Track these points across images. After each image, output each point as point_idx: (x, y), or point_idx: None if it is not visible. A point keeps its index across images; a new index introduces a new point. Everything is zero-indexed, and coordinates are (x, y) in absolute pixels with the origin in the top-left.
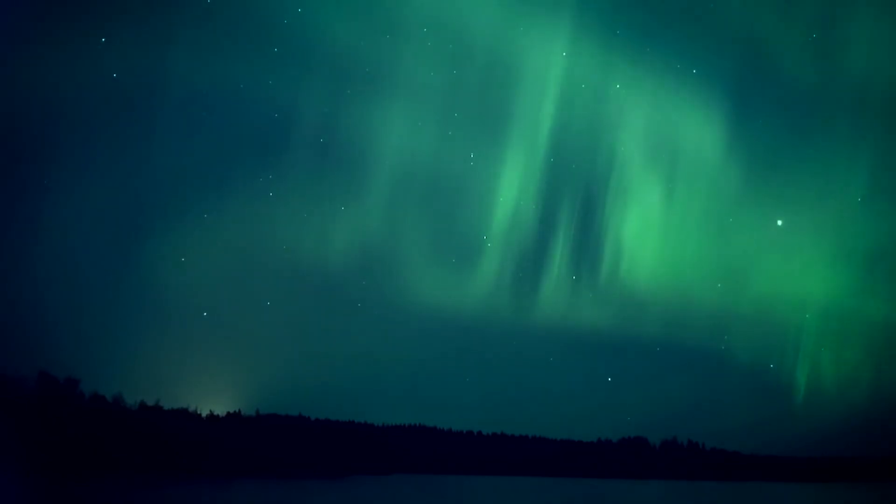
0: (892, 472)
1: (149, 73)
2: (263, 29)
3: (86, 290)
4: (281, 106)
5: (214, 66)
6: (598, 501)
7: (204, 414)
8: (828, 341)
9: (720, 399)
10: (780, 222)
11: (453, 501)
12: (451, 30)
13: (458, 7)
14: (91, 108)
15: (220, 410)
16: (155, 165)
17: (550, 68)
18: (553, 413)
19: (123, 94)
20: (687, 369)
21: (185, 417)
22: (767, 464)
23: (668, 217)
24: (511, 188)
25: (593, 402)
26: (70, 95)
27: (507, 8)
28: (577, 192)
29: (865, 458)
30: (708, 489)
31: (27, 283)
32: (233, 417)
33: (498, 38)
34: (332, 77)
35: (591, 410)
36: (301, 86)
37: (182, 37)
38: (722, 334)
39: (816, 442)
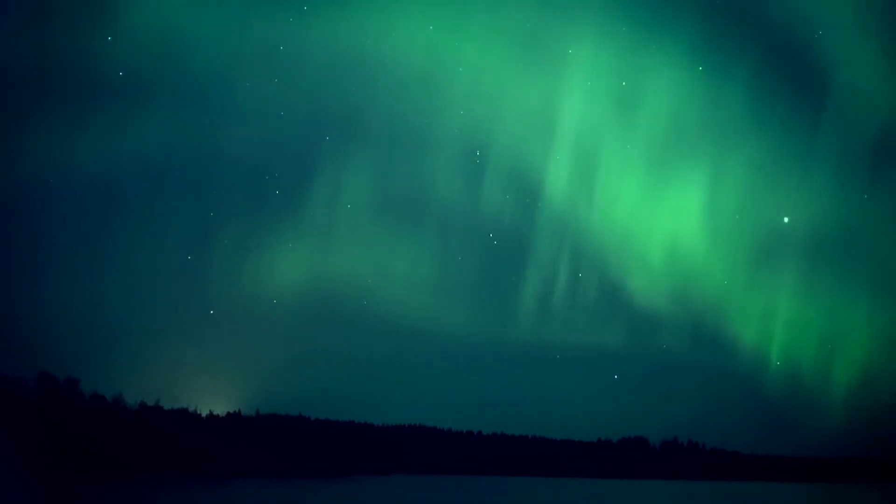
0: (892, 472)
1: (153, 71)
2: (268, 27)
3: (86, 290)
4: (286, 104)
5: (218, 63)
6: (598, 501)
7: (204, 414)
8: (832, 341)
9: (721, 399)
10: (786, 219)
11: (453, 501)
12: (454, 28)
13: (459, 5)
14: (93, 107)
15: (220, 410)
16: (159, 163)
17: (554, 66)
18: (554, 413)
19: (127, 92)
20: (690, 368)
21: (185, 417)
22: (767, 464)
23: (673, 215)
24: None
25: (598, 401)
26: (72, 92)
27: (507, 5)
28: (581, 190)
29: (866, 459)
30: (708, 489)
31: (27, 283)
32: (233, 417)
33: (500, 36)
34: (335, 76)
35: (594, 409)
36: (306, 84)
37: (185, 34)
38: (726, 333)
39: (817, 442)
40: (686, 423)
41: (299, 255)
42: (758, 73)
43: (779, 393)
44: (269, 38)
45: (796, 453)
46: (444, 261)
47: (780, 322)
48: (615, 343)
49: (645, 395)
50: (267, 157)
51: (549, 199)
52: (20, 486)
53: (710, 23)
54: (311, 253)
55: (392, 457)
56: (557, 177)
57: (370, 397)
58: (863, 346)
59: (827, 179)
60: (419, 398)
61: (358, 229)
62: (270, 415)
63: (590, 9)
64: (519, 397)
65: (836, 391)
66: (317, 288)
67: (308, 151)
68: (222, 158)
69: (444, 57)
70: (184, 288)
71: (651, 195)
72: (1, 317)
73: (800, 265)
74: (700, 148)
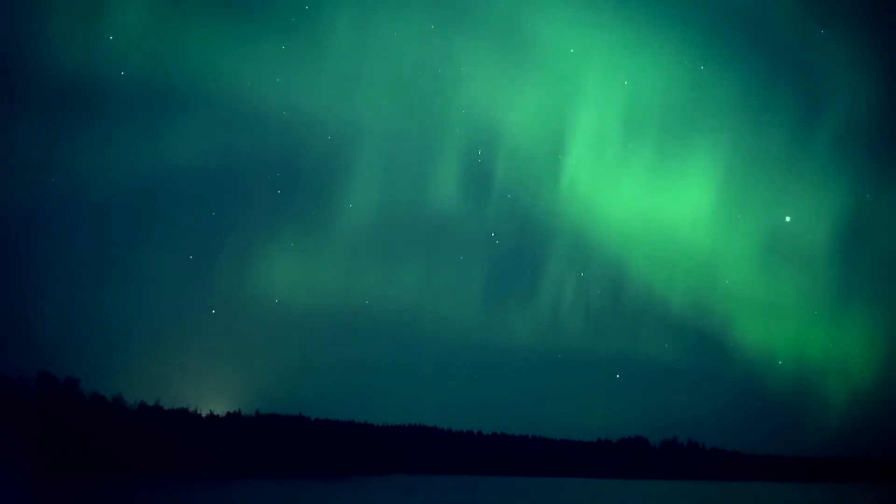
0: (892, 472)
1: (157, 71)
2: (272, 26)
3: (87, 290)
4: (289, 104)
5: (223, 64)
6: (598, 501)
7: (204, 414)
8: (834, 341)
9: (721, 399)
10: (788, 218)
11: (453, 501)
12: (456, 27)
13: (461, 4)
14: (95, 105)
15: (220, 410)
16: (161, 162)
17: (556, 65)
18: (554, 413)
19: (131, 91)
20: (691, 368)
21: (185, 417)
22: (767, 464)
23: (675, 216)
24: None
25: (598, 401)
26: (77, 90)
27: (508, 4)
28: (582, 190)
29: (866, 459)
30: (708, 489)
31: (27, 283)
32: (233, 417)
33: (501, 35)
34: (336, 76)
35: (594, 409)
36: (307, 83)
37: (192, 35)
38: (728, 332)
39: (817, 442)
40: (686, 423)
41: (301, 255)
42: (760, 73)
43: (780, 393)
44: (271, 37)
45: (796, 453)
46: (445, 261)
47: (782, 322)
48: (616, 343)
49: (645, 395)
50: (268, 157)
51: (550, 199)
52: (20, 486)
53: (712, 22)
54: (313, 253)
55: (392, 457)
56: (559, 177)
57: (370, 397)
58: (864, 346)
59: (829, 179)
60: (419, 398)
61: (359, 229)
62: (270, 415)
63: (591, 8)
64: (519, 397)
65: (837, 391)
66: (318, 288)
67: (309, 151)
68: (223, 158)
69: (446, 56)
70: (185, 288)
71: (653, 195)
72: (1, 317)
73: (802, 265)
74: (701, 148)
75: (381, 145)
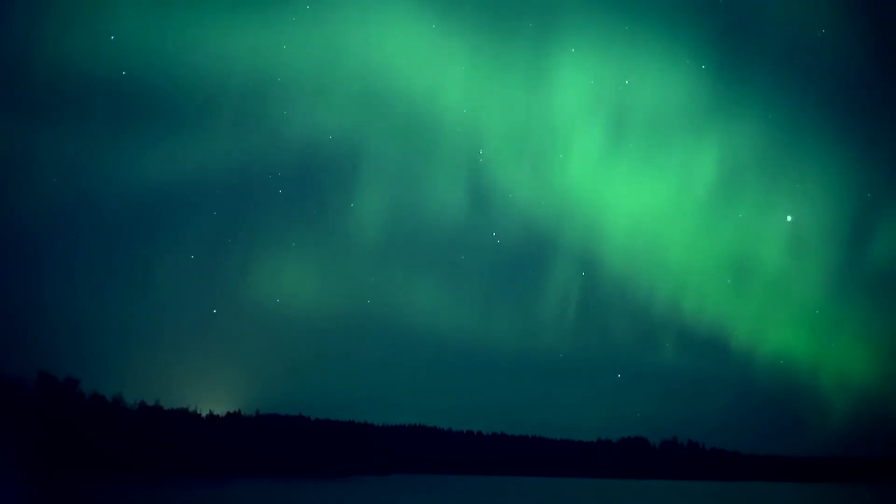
0: (892, 472)
1: (159, 71)
2: (274, 25)
3: (87, 290)
4: (290, 104)
5: (224, 64)
6: (598, 501)
7: (204, 414)
8: (833, 341)
9: (721, 399)
10: (789, 218)
11: (453, 501)
12: (458, 27)
13: (463, 3)
14: (96, 105)
15: (220, 410)
16: (162, 162)
17: (558, 65)
18: (554, 413)
19: (132, 92)
20: (691, 369)
21: (185, 417)
22: (767, 464)
23: (676, 216)
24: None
25: (598, 401)
26: (78, 89)
27: (510, 4)
28: (583, 190)
29: (866, 459)
30: (708, 489)
31: (28, 283)
32: (233, 417)
33: (503, 34)
34: (338, 75)
35: (595, 409)
36: (308, 83)
37: (193, 35)
38: (728, 333)
39: (817, 442)
40: (686, 424)
41: (302, 256)
42: (760, 73)
43: (780, 393)
44: (271, 37)
45: (796, 453)
46: (447, 261)
47: (782, 322)
48: (617, 343)
49: (645, 395)
50: (270, 158)
51: (552, 199)
52: (20, 486)
53: (714, 22)
54: (314, 253)
55: (392, 457)
56: (560, 176)
57: (370, 397)
58: (864, 346)
59: (830, 178)
60: (419, 398)
61: (361, 229)
62: (270, 415)
63: (592, 9)
64: (519, 397)
65: (837, 391)
66: (319, 288)
67: (310, 151)
68: (224, 158)
69: (447, 55)
70: (186, 288)
71: (654, 195)
72: (1, 317)
73: (803, 265)
74: (703, 148)
75: (382, 146)
